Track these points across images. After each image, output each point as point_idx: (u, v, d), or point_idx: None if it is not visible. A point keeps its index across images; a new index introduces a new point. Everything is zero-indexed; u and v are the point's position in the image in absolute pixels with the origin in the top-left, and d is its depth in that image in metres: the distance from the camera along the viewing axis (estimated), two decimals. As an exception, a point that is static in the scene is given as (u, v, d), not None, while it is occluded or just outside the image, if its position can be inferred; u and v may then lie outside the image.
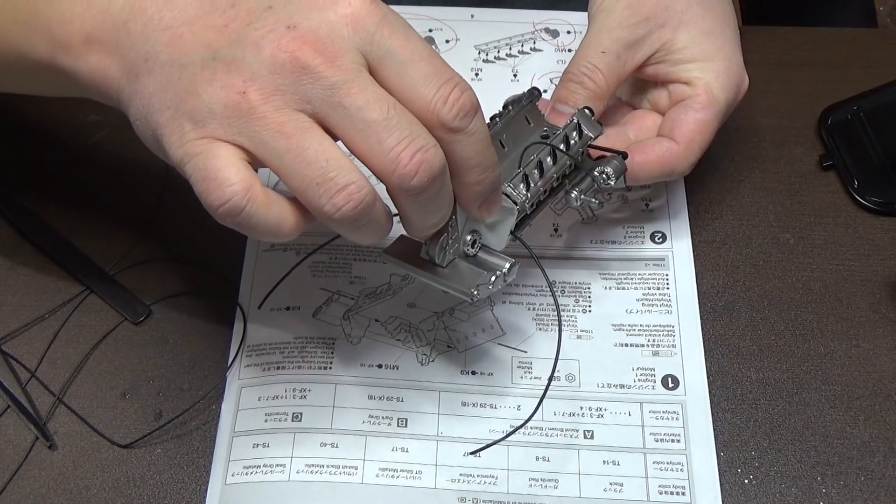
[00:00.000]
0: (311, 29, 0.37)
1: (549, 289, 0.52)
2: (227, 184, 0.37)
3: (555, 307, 0.54)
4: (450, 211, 0.42)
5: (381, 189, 0.39)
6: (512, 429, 0.49)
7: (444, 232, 0.44)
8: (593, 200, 0.50)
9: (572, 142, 0.49)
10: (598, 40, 0.53)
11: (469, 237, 0.46)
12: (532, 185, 0.46)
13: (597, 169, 0.50)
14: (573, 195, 0.50)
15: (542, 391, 0.48)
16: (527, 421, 0.49)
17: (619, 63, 0.52)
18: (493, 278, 0.45)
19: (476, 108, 0.39)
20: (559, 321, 0.50)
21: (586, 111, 0.50)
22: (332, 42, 0.37)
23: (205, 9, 0.38)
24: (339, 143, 0.38)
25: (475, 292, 0.44)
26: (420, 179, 0.37)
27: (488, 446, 0.49)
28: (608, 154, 0.51)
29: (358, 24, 0.37)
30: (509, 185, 0.45)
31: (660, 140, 0.53)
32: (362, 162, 0.38)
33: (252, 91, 0.37)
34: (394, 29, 0.38)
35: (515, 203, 0.46)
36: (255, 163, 0.38)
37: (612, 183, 0.50)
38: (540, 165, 0.47)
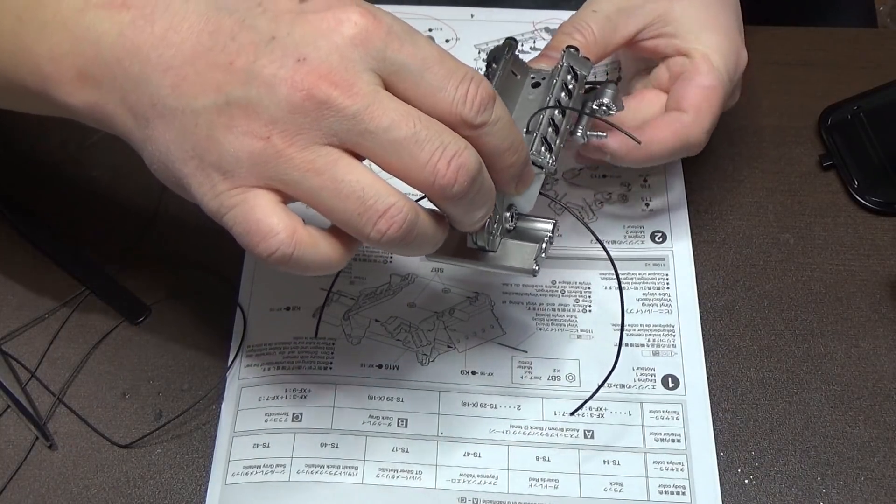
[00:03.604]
0: (322, 59, 0.36)
1: (602, 249, 0.49)
2: (271, 234, 0.37)
3: (613, 272, 0.52)
4: (493, 199, 0.41)
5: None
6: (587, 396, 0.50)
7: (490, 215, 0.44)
8: (600, 134, 0.50)
9: (570, 86, 0.48)
10: (593, 5, 0.53)
11: (508, 213, 0.46)
12: (553, 145, 0.46)
13: (595, 103, 0.49)
14: (578, 135, 0.49)
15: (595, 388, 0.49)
16: (597, 390, 0.50)
17: (611, 25, 0.52)
18: (544, 245, 0.45)
19: (493, 97, 0.38)
20: (619, 285, 0.48)
21: (572, 50, 0.49)
22: (345, 69, 0.36)
23: (204, 45, 0.37)
24: (367, 161, 0.38)
25: (536, 267, 0.45)
26: (461, 184, 0.37)
27: (583, 404, 0.50)
28: (599, 86, 0.50)
29: (367, 43, 0.37)
30: (532, 152, 0.45)
31: (669, 113, 0.52)
32: (400, 179, 0.37)
33: (275, 135, 0.36)
34: (401, 40, 0.37)
35: (542, 168, 0.46)
36: (289, 199, 0.38)
37: (613, 112, 0.49)
38: (553, 123, 0.46)
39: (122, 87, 0.38)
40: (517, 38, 0.49)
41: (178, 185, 0.39)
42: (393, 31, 0.37)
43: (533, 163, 0.45)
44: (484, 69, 0.48)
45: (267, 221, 0.37)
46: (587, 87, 0.51)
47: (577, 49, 0.50)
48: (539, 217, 0.47)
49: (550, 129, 0.46)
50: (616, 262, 0.55)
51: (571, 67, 0.49)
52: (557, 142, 0.46)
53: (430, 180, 0.37)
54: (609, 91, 0.50)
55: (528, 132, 0.46)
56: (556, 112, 0.47)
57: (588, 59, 0.50)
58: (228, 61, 0.37)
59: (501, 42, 0.48)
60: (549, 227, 0.46)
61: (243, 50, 0.37)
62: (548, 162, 0.46)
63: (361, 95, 0.36)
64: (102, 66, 0.38)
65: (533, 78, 0.49)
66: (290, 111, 0.36)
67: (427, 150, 0.36)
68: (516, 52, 0.48)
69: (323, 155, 0.36)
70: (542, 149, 0.46)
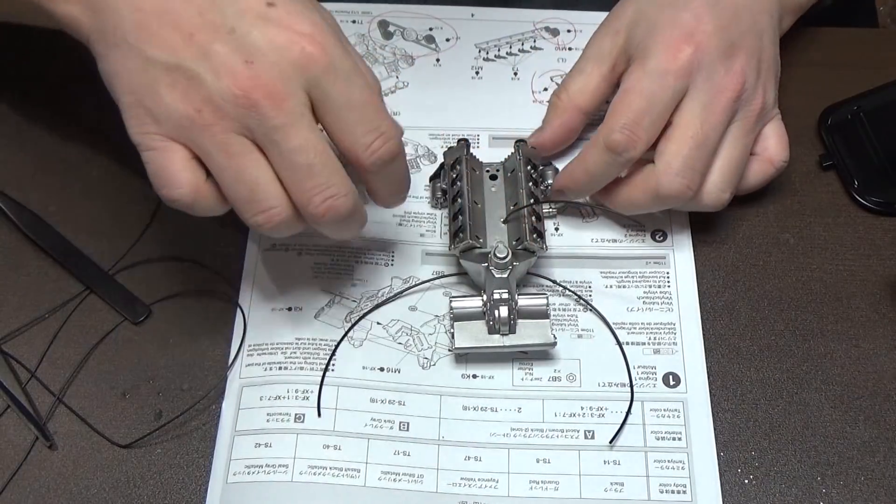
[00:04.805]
0: (266, 69, 0.41)
1: (604, 320, 0.55)
2: (177, 186, 0.43)
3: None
4: (362, 226, 0.47)
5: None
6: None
7: (508, 305, 0.50)
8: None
9: (534, 175, 0.54)
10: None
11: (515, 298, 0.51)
12: (542, 231, 0.52)
13: (542, 185, 0.56)
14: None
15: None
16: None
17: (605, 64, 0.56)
18: (550, 318, 0.51)
19: (394, 157, 0.45)
20: (621, 349, 0.53)
21: (522, 144, 0.56)
22: (283, 84, 0.42)
23: (174, 6, 0.42)
24: None
25: (555, 339, 0.51)
26: (327, 221, 0.44)
27: (618, 432, 0.50)
28: (540, 167, 0.56)
29: (309, 68, 0.42)
30: (528, 241, 0.51)
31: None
32: (284, 187, 0.43)
33: (206, 112, 0.42)
34: (338, 75, 0.43)
35: (534, 253, 0.52)
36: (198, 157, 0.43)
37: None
38: (535, 212, 0.52)
39: (96, 4, 0.44)
40: (468, 140, 0.57)
41: (114, 98, 0.44)
42: (334, 65, 0.42)
43: (525, 248, 0.52)
44: (445, 151, 0.56)
45: (177, 175, 0.43)
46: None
47: (524, 141, 0.56)
48: (530, 294, 0.52)
49: (534, 219, 0.52)
50: (617, 261, 0.56)
51: (529, 160, 0.55)
52: (542, 227, 0.52)
53: (303, 204, 0.43)
54: (550, 172, 0.56)
55: (506, 222, 0.53)
56: (534, 202, 0.53)
57: (535, 148, 0.56)
58: (190, 32, 0.42)
59: (456, 143, 0.56)
60: (545, 301, 0.51)
61: (206, 28, 0.42)
62: (541, 248, 0.52)
63: (286, 113, 0.42)
64: None
65: (488, 171, 0.56)
66: (223, 98, 0.41)
67: (312, 182, 0.43)
68: (472, 151, 0.56)
69: (238, 142, 0.42)
70: (535, 236, 0.52)
